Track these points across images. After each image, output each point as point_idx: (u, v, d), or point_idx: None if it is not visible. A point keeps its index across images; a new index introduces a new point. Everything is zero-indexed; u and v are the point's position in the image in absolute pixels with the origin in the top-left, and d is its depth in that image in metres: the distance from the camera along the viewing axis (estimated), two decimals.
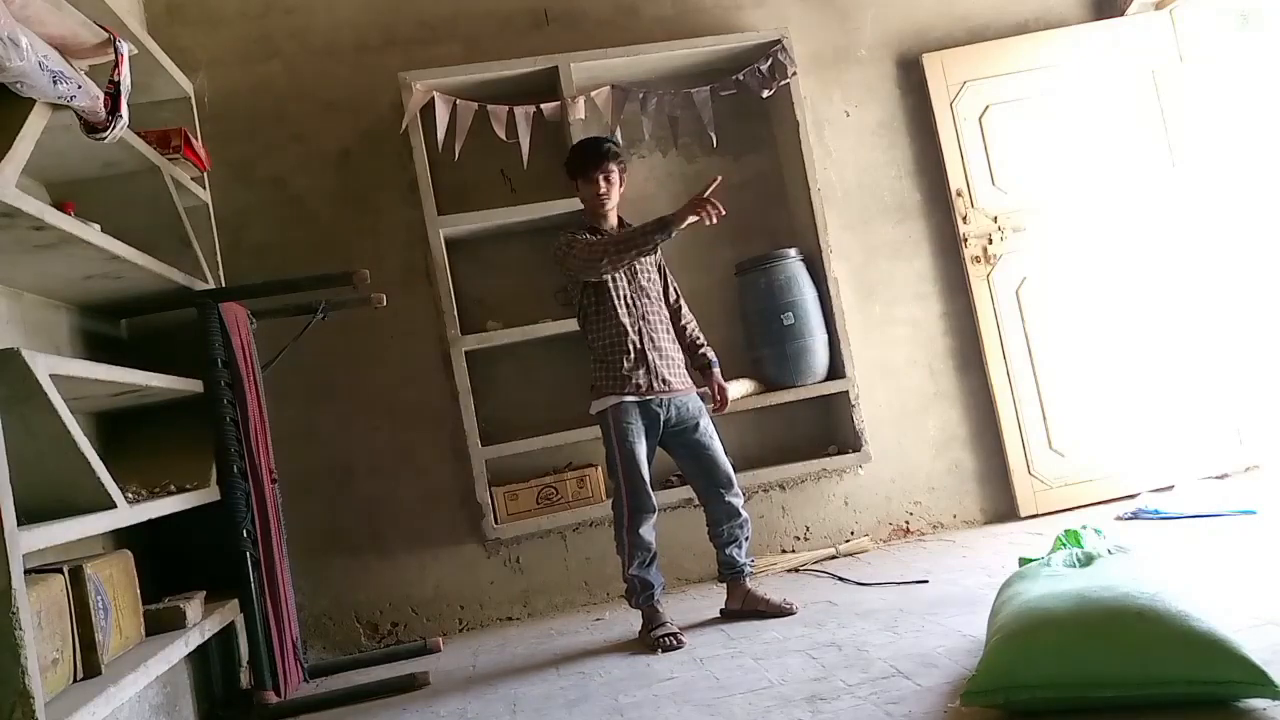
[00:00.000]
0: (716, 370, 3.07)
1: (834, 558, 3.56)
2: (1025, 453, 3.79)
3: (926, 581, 3.02)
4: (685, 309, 3.12)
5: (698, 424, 2.94)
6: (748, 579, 2.98)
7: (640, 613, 2.87)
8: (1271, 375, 3.90)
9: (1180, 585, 1.93)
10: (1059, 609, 1.85)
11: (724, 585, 3.01)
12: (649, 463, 2.86)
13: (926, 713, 1.93)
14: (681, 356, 3.00)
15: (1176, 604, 1.78)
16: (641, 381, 2.85)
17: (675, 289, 3.11)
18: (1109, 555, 2.17)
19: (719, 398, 3.07)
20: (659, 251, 2.96)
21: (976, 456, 3.87)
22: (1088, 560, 2.16)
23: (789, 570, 3.49)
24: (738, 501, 2.96)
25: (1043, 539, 3.14)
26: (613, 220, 2.98)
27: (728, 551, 2.96)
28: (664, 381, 2.88)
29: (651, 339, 2.90)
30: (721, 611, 3.00)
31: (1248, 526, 3.08)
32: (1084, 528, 2.37)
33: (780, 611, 2.88)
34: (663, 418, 2.88)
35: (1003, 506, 3.84)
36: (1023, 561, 2.32)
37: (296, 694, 2.78)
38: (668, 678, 2.47)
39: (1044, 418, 3.80)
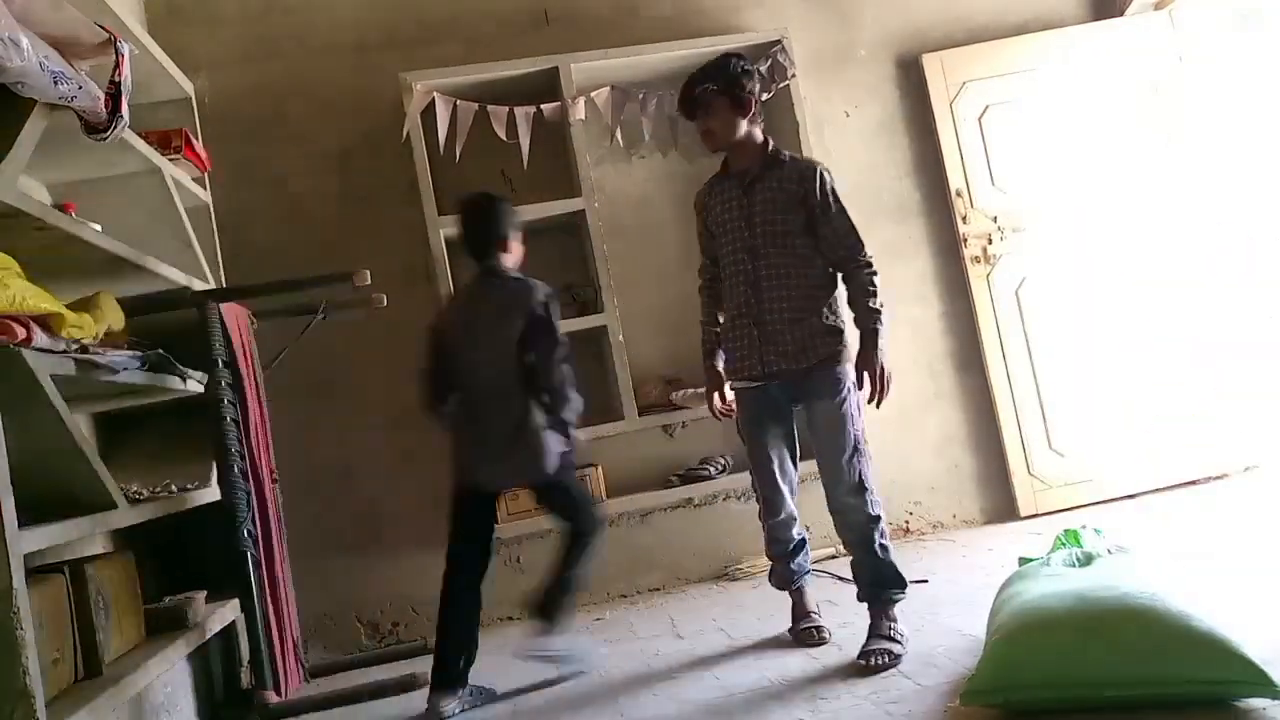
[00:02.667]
0: None
1: (834, 558, 3.55)
2: (1025, 453, 3.79)
3: (926, 581, 3.01)
4: None
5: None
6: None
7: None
8: (1271, 375, 3.90)
9: (1180, 584, 1.93)
10: (1059, 609, 1.85)
11: (723, 585, 3.01)
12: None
13: (926, 712, 1.93)
14: None
15: (1176, 603, 1.78)
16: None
17: None
18: (1109, 555, 2.18)
19: None
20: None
21: (976, 456, 3.87)
22: (1088, 560, 2.16)
23: None
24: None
25: (1043, 539, 3.13)
26: (741, 155, 2.56)
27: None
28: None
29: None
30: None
31: (1247, 527, 3.08)
32: (1084, 528, 2.37)
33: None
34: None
35: (1002, 506, 3.84)
36: (1023, 561, 2.32)
37: (296, 694, 2.78)
38: (668, 678, 2.47)
39: (1044, 418, 3.80)
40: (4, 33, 1.63)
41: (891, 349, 3.83)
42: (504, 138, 3.49)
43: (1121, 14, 3.99)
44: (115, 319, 2.09)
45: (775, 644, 2.60)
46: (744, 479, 3.57)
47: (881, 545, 2.45)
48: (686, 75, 3.67)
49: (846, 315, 2.53)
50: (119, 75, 2.04)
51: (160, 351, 2.32)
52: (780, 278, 2.48)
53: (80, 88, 1.92)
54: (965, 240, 3.84)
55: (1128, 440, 3.79)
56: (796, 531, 2.66)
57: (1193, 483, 3.80)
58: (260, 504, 2.73)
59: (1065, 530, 2.37)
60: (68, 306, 1.88)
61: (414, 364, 3.51)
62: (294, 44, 3.62)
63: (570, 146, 3.56)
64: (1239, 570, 2.58)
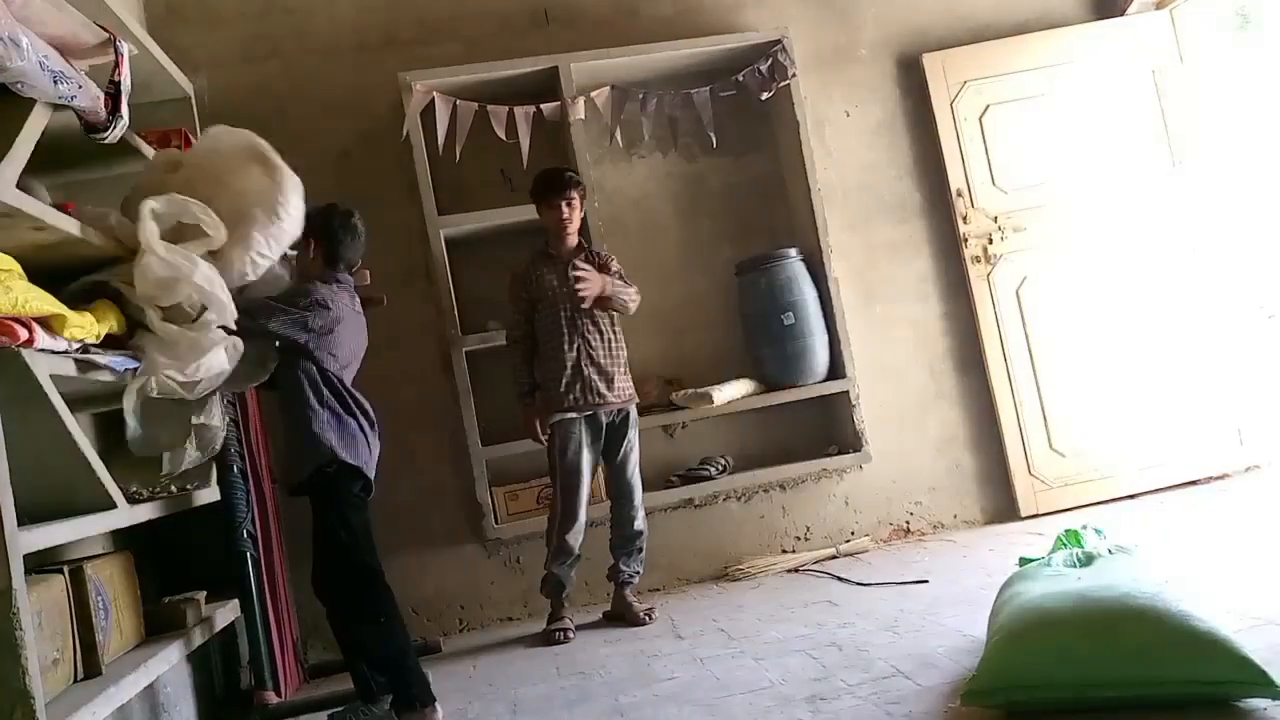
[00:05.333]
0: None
1: (834, 558, 3.56)
2: (1025, 453, 3.79)
3: (926, 581, 3.02)
4: None
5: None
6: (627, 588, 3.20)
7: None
8: (1271, 375, 3.90)
9: (1180, 584, 1.93)
10: (1059, 609, 1.85)
11: (723, 585, 3.03)
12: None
13: (927, 713, 1.93)
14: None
15: (1177, 604, 1.78)
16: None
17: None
18: (1109, 555, 2.18)
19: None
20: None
21: (976, 456, 3.87)
22: (1088, 560, 2.16)
23: (789, 570, 3.49)
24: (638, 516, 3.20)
25: (1043, 539, 3.13)
26: (571, 244, 3.21)
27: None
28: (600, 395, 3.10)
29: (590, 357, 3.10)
30: (604, 615, 3.25)
31: (1248, 527, 3.08)
32: (1084, 528, 2.37)
33: (636, 621, 3.09)
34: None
35: (1003, 506, 3.84)
36: (1023, 561, 2.32)
37: (296, 694, 2.78)
38: (668, 678, 2.47)
39: (1044, 418, 3.80)
40: (4, 33, 1.63)
41: (892, 349, 3.89)
42: (504, 137, 3.49)
43: (1122, 14, 3.99)
44: (116, 320, 2.09)
45: (775, 644, 2.60)
46: (744, 479, 3.59)
47: None
48: (686, 75, 3.73)
49: None
50: (119, 75, 2.04)
51: None
52: None
53: (80, 88, 1.92)
54: (965, 240, 3.84)
55: (1128, 440, 3.79)
56: None
57: (1193, 483, 3.80)
58: (260, 504, 2.73)
59: (1066, 530, 2.37)
60: (68, 307, 1.88)
61: (413, 363, 3.54)
62: (294, 44, 3.61)
63: (570, 146, 3.56)
64: (1239, 570, 2.58)
